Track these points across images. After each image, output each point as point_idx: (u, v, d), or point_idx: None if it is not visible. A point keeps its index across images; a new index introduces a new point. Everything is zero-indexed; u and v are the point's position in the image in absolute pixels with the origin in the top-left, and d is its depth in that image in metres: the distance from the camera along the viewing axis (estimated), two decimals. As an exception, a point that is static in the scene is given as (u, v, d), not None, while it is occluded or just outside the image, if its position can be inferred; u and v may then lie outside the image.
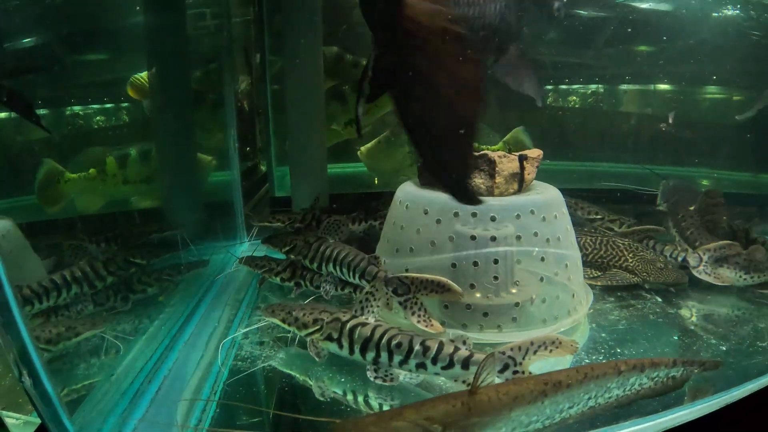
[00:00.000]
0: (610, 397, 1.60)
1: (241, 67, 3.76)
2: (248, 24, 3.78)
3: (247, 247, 3.10)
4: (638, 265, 2.58)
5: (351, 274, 2.19)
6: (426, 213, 2.10)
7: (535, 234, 2.04)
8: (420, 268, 2.07)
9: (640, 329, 2.22)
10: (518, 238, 2.01)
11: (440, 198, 2.11)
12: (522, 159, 2.17)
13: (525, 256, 2.05)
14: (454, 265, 2.03)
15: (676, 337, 2.20)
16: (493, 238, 1.99)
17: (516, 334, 1.99)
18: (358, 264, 2.17)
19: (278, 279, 2.49)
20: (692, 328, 2.29)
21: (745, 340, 2.21)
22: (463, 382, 1.67)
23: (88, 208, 2.76)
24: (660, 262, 2.58)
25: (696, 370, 1.75)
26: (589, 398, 1.56)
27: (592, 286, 2.47)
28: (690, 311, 2.44)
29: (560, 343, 1.64)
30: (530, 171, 2.21)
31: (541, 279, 2.08)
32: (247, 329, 2.10)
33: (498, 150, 3.38)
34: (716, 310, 2.45)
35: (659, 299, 2.49)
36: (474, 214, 2.04)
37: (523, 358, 1.61)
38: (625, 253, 2.62)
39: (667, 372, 1.69)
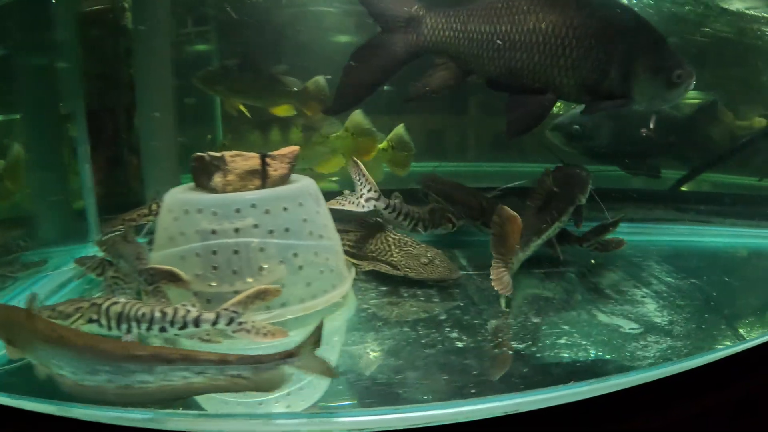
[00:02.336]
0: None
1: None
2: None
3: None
4: (401, 260, 2.64)
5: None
6: (186, 213, 2.32)
7: (256, 226, 2.25)
8: (177, 259, 2.31)
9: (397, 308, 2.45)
10: (236, 230, 2.24)
11: (192, 197, 2.35)
12: (263, 156, 2.38)
13: (259, 246, 2.26)
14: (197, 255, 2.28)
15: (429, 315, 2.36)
16: (214, 232, 2.23)
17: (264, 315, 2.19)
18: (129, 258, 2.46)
19: (93, 274, 2.81)
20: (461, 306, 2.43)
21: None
22: (199, 338, 2.00)
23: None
24: (426, 258, 2.60)
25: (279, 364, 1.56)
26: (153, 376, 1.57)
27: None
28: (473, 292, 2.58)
29: (267, 291, 1.98)
30: (277, 167, 2.42)
31: (281, 262, 2.29)
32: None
33: (383, 147, 3.71)
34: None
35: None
36: (215, 213, 2.26)
37: (243, 310, 1.95)
38: (393, 248, 2.69)
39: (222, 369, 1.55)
